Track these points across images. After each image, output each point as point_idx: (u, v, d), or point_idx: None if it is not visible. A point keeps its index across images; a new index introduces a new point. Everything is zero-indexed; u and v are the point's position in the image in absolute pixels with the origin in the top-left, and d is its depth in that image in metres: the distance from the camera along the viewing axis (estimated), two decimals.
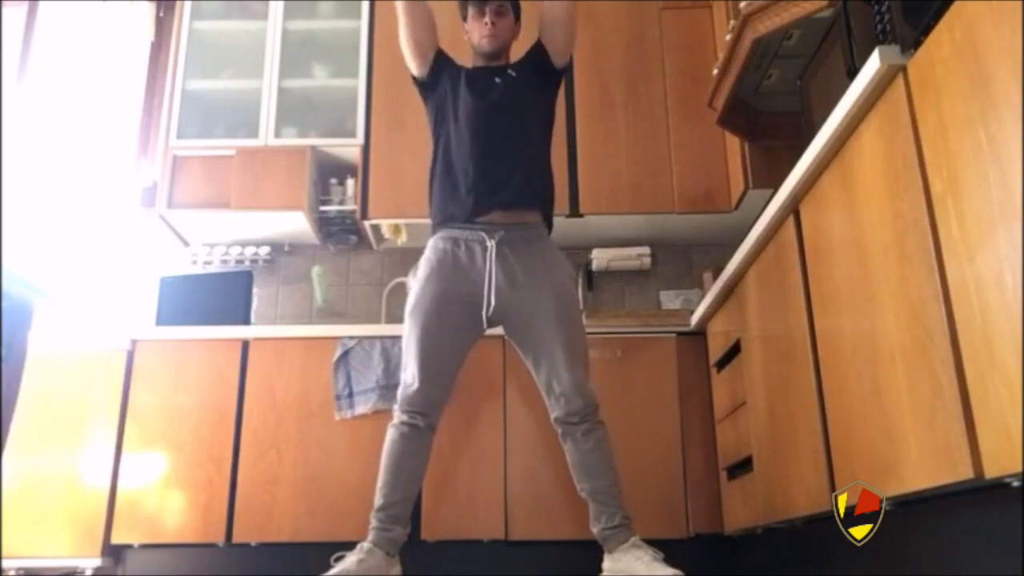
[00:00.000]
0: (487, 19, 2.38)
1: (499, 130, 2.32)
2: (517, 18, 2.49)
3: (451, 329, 2.23)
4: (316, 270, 3.46)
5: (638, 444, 2.72)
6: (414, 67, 2.44)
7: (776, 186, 2.00)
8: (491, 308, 2.21)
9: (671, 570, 1.96)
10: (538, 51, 2.44)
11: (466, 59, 2.50)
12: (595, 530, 2.16)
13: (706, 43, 3.42)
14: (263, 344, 2.91)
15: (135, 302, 3.48)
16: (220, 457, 2.78)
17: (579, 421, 2.16)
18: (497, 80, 2.39)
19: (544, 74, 2.44)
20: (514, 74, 2.40)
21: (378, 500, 2.15)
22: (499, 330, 2.37)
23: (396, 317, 3.45)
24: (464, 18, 2.47)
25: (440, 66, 2.44)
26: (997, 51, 1.17)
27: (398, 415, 2.21)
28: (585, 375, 2.20)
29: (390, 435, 2.20)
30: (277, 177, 3.32)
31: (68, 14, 3.31)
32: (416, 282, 2.29)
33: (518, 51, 2.49)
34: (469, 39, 2.46)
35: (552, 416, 2.22)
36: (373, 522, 2.14)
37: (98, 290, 3.40)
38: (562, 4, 2.38)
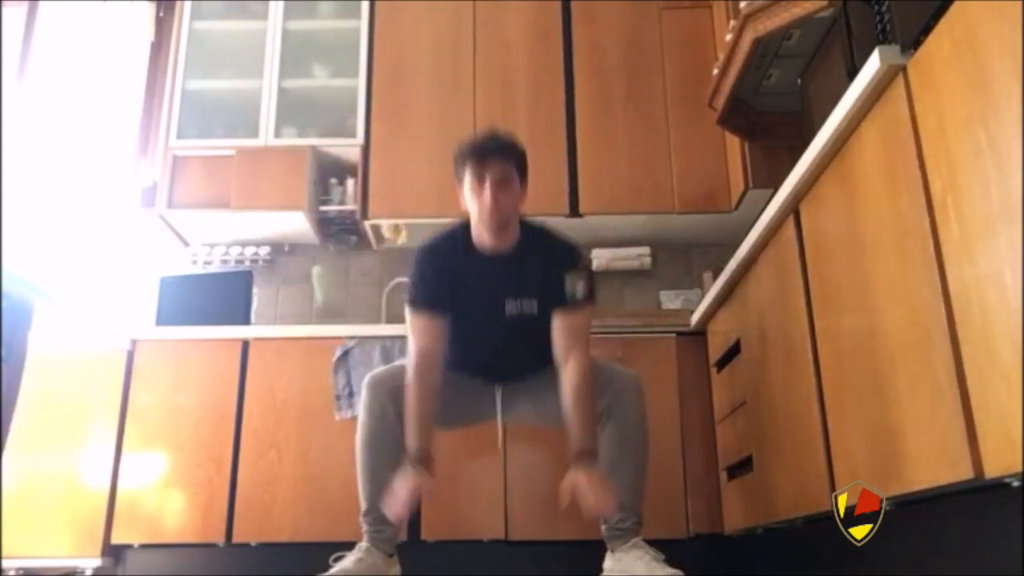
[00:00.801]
0: (487, 192, 2.01)
1: (509, 364, 2.24)
2: (523, 181, 2.11)
3: (455, 408, 2.23)
4: (316, 270, 3.46)
5: None
6: None
7: (776, 186, 2.00)
8: (501, 410, 2.27)
9: (671, 570, 1.95)
10: (568, 295, 2.10)
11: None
12: (604, 527, 2.13)
13: (706, 43, 3.41)
14: (263, 344, 2.91)
15: (135, 302, 3.48)
16: (220, 457, 2.78)
17: (624, 385, 2.10)
18: (508, 312, 2.10)
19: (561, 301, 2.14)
20: (536, 312, 2.11)
21: (363, 502, 2.11)
22: None
23: (396, 317, 3.44)
24: (459, 179, 2.08)
25: (443, 297, 2.12)
26: (997, 51, 1.17)
27: (363, 412, 2.14)
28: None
29: (360, 434, 2.14)
30: (277, 177, 3.32)
31: (68, 14, 3.31)
32: None
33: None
34: (465, 209, 2.11)
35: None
36: (364, 526, 2.10)
37: (98, 290, 3.40)
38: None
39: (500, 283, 2.11)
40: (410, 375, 2.05)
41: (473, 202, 2.05)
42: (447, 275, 2.11)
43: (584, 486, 1.85)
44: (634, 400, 2.11)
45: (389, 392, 2.12)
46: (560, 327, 2.08)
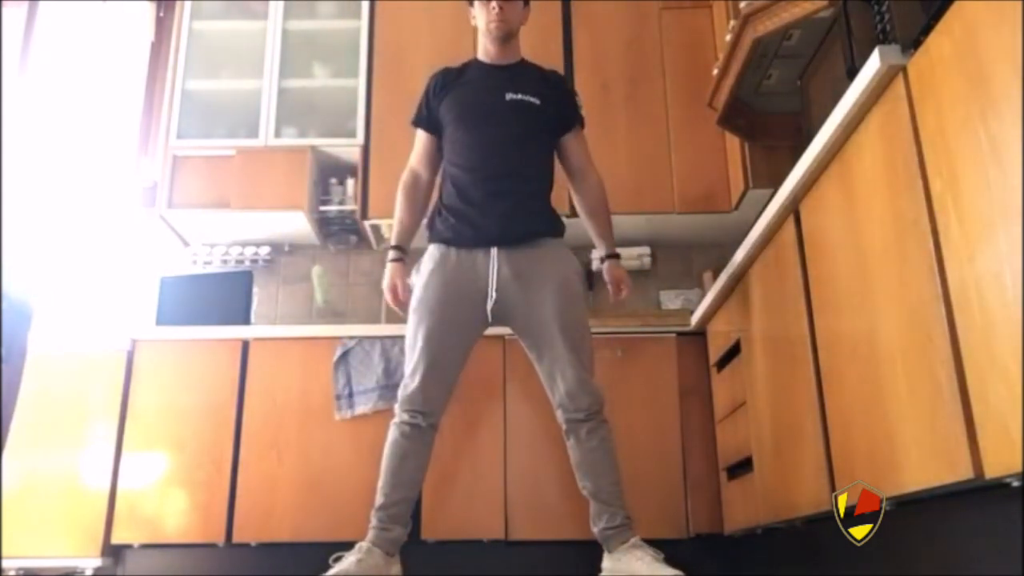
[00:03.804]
0: (495, 3, 2.29)
1: (507, 162, 2.26)
2: (526, 2, 2.40)
3: (454, 327, 2.21)
4: (316, 270, 3.46)
5: (638, 444, 2.72)
6: None
7: (776, 186, 2.00)
8: (493, 301, 2.20)
9: (672, 570, 1.96)
10: (569, 108, 2.40)
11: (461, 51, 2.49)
12: (595, 529, 2.15)
13: (706, 43, 3.42)
14: (263, 344, 2.91)
15: (135, 302, 3.48)
16: (220, 457, 2.78)
17: (584, 418, 2.15)
18: (508, 97, 2.28)
19: (561, 119, 2.40)
20: (538, 102, 2.31)
21: (378, 499, 2.15)
22: (499, 330, 2.37)
23: (396, 317, 3.43)
24: (470, 2, 2.38)
25: (437, 115, 2.36)
26: (997, 51, 1.17)
27: (399, 414, 2.20)
28: (590, 372, 2.19)
29: (391, 434, 2.19)
30: (277, 177, 3.32)
31: (68, 14, 3.31)
32: (419, 277, 2.28)
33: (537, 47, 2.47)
34: (475, 25, 2.39)
35: (556, 413, 2.21)
36: (373, 521, 2.13)
37: (98, 290, 3.40)
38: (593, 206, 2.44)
39: (502, 81, 2.33)
40: (400, 187, 2.40)
41: (482, 15, 2.33)
42: (450, 86, 2.36)
43: (620, 280, 2.42)
44: (603, 412, 2.20)
45: (423, 403, 2.18)
46: (572, 149, 2.43)
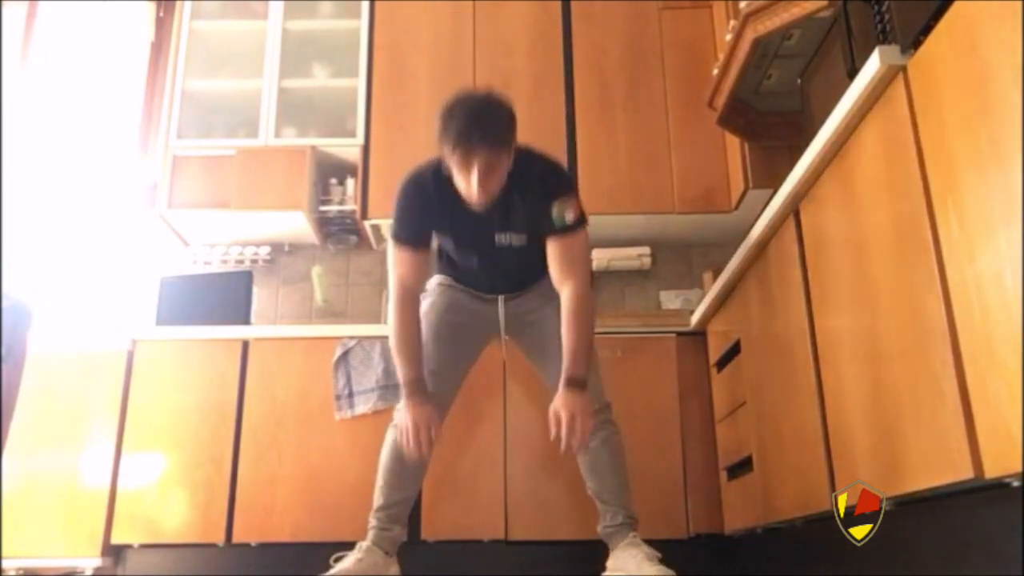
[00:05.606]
0: (474, 179, 1.90)
1: (503, 274, 2.23)
2: (512, 144, 1.97)
3: (461, 334, 2.25)
4: (316, 270, 3.46)
5: (638, 444, 2.71)
6: None
7: (776, 186, 2.00)
8: (504, 327, 2.26)
9: (659, 569, 1.95)
10: (549, 222, 2.06)
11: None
12: (599, 529, 2.16)
13: (706, 43, 3.41)
14: (263, 344, 2.91)
15: (135, 302, 3.48)
16: (220, 457, 2.78)
17: (608, 408, 2.17)
18: (497, 241, 2.11)
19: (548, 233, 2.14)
20: (525, 241, 2.11)
21: (377, 500, 2.15)
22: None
23: None
24: (442, 149, 1.95)
25: (424, 229, 2.14)
26: (997, 51, 1.17)
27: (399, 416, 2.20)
28: (594, 374, 2.19)
29: (390, 435, 2.19)
30: (277, 177, 3.32)
31: (68, 14, 3.31)
32: (430, 285, 2.31)
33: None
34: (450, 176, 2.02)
35: None
36: (372, 521, 2.14)
37: (98, 290, 3.40)
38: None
39: (486, 222, 2.08)
40: (393, 304, 2.11)
41: (459, 181, 1.97)
42: (432, 210, 2.09)
43: (565, 410, 1.91)
44: (605, 413, 2.19)
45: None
46: (553, 256, 2.08)
